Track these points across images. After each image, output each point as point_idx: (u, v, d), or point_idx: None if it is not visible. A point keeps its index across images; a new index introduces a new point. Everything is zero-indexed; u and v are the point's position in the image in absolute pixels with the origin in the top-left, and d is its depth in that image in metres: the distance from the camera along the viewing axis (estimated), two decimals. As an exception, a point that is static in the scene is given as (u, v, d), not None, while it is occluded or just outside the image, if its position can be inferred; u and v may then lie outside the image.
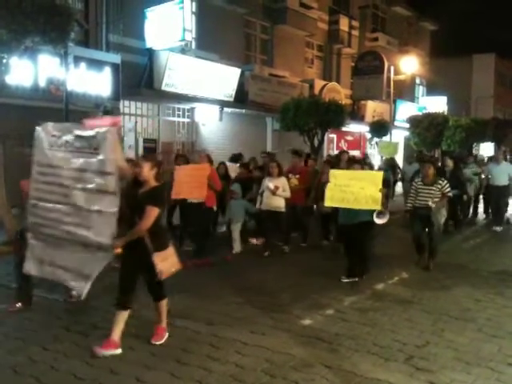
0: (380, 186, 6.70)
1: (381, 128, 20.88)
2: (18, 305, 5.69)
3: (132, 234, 4.47)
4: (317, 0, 20.30)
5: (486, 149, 27.88)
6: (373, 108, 23.89)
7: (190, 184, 7.86)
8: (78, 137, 4.56)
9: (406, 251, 9.06)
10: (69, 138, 4.63)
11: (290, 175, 9.25)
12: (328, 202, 7.06)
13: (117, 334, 4.53)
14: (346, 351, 4.62)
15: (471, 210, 13.66)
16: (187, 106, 15.96)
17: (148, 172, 4.58)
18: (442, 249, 9.51)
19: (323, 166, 9.88)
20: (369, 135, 23.20)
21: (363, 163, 9.24)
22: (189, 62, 14.65)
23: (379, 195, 6.67)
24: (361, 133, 24.35)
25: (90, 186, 4.43)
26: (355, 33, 23.35)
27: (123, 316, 4.59)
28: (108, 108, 13.08)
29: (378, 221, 6.85)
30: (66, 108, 10.06)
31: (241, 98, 16.69)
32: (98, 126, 4.57)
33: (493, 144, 26.62)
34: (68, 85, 10.18)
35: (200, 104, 15.65)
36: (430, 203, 7.60)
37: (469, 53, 38.06)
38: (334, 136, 22.39)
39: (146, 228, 4.43)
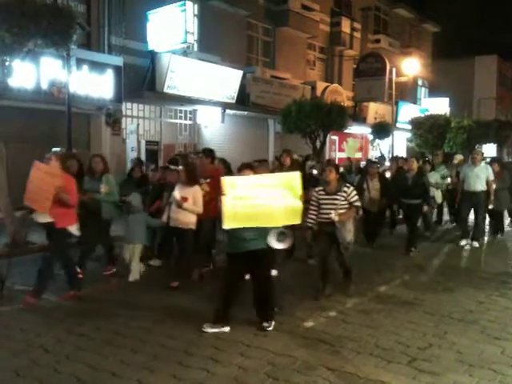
0: (299, 192, 5.00)
1: (383, 130, 20.91)
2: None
3: None
4: (319, 2, 20.35)
5: (489, 150, 27.84)
6: (375, 110, 23.91)
7: (36, 192, 5.88)
8: None
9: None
10: None
11: (201, 180, 7.15)
12: (228, 223, 4.84)
13: None
14: (348, 353, 4.61)
15: (448, 217, 12.54)
16: (189, 108, 15.99)
17: None
18: (442, 251, 9.58)
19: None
20: (371, 137, 23.22)
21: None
22: (191, 64, 14.68)
23: (300, 205, 5.01)
24: (363, 135, 24.38)
25: None
26: (357, 35, 23.41)
27: None
28: (110, 110, 13.14)
29: (278, 245, 5.16)
30: (68, 110, 10.09)
31: (243, 100, 16.73)
32: None
33: (495, 145, 26.59)
34: (70, 87, 10.20)
35: (202, 106, 15.69)
36: (332, 216, 6.24)
37: (471, 54, 38.11)
38: (336, 138, 22.42)
39: None
